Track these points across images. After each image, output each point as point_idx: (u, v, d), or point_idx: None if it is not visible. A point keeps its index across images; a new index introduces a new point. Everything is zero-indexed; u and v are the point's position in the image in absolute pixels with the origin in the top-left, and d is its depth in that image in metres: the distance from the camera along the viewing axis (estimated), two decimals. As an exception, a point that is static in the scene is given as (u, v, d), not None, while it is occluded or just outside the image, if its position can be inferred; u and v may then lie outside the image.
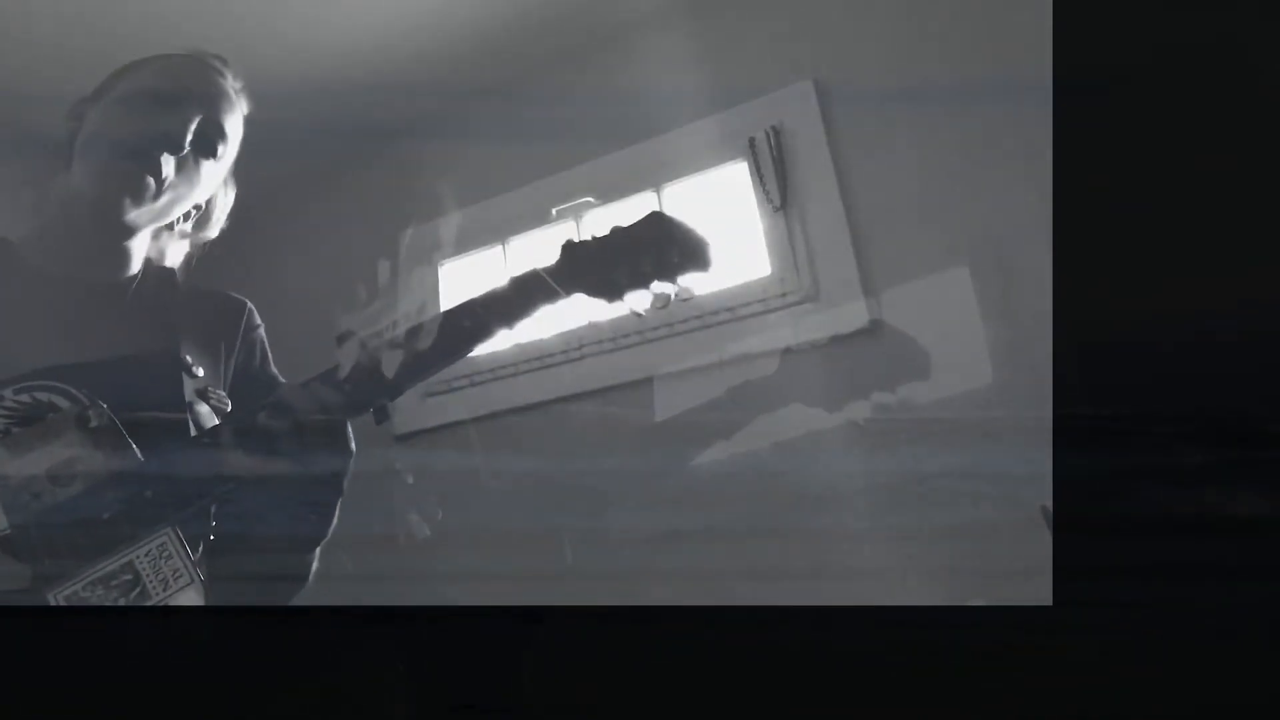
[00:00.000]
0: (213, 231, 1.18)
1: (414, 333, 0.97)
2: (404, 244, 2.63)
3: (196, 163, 1.07)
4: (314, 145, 2.77)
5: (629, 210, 2.31)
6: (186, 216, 1.15)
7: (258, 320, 1.23)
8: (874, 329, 1.90)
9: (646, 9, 2.32)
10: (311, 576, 1.06)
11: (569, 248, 1.03)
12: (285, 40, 2.31)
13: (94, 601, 0.82)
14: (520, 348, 2.32)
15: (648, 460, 2.02)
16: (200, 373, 1.06)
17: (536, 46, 2.42)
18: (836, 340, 1.92)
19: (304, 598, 1.09)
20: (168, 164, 1.04)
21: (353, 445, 0.94)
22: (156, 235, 1.15)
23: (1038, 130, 1.21)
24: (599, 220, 2.37)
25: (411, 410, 2.34)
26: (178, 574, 0.84)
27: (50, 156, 1.12)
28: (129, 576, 0.83)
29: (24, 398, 0.94)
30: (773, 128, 2.10)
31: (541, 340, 2.29)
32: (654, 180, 2.29)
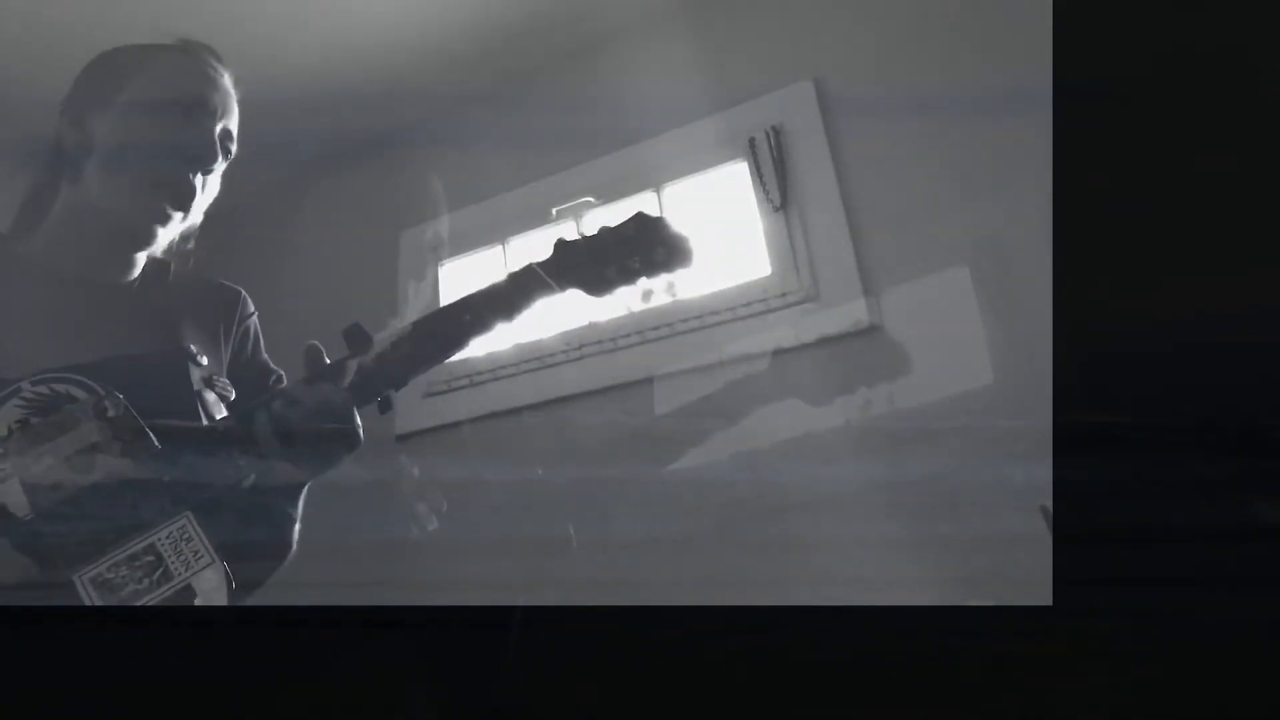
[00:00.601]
0: (197, 217, 1.18)
1: (416, 327, 1.04)
2: (404, 244, 2.64)
3: (213, 171, 1.10)
4: (313, 146, 2.77)
5: (628, 210, 2.32)
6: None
7: (251, 308, 1.26)
8: (874, 329, 1.90)
9: (647, 9, 2.32)
10: (290, 557, 1.07)
11: (561, 245, 1.12)
12: (284, 40, 2.31)
13: (118, 582, 0.84)
14: (520, 348, 2.32)
15: (648, 461, 2.02)
16: (204, 360, 1.10)
17: (537, 46, 2.43)
18: (836, 340, 1.92)
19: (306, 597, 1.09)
20: (198, 183, 1.08)
21: (361, 433, 0.98)
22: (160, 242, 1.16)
23: (1038, 130, 1.20)
24: (597, 220, 2.37)
25: (412, 410, 2.34)
26: (198, 555, 0.87)
27: (26, 154, 1.13)
28: (151, 558, 0.86)
29: (42, 389, 0.96)
30: (773, 128, 2.10)
31: (541, 340, 2.29)
32: (654, 180, 2.29)
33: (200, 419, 1.03)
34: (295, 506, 1.06)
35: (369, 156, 2.78)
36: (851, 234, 1.97)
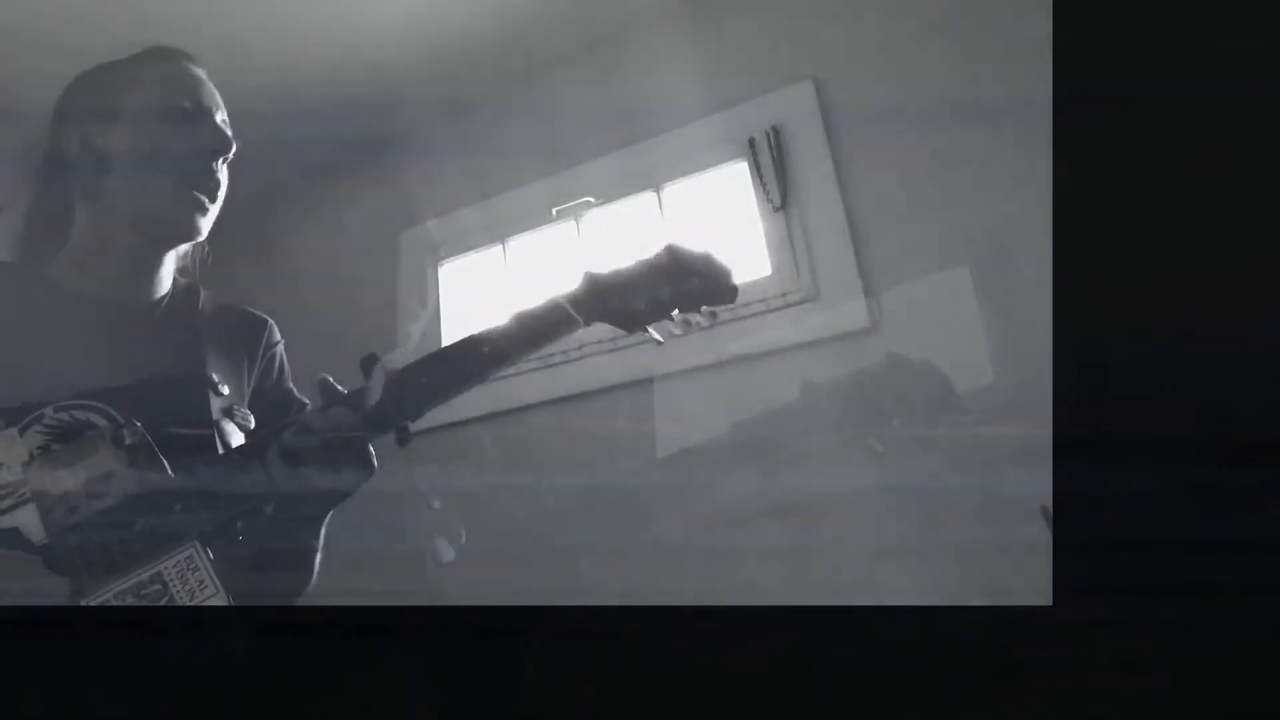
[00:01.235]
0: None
1: (435, 359, 1.02)
2: (404, 244, 2.64)
3: (229, 158, 1.14)
4: (313, 149, 2.77)
5: (629, 210, 2.33)
6: None
7: (277, 337, 1.27)
8: (874, 329, 1.90)
9: (647, 9, 2.32)
10: (310, 587, 1.10)
11: (590, 278, 1.08)
12: (283, 40, 2.31)
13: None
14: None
15: (646, 464, 2.02)
16: (225, 390, 1.10)
17: (538, 46, 2.42)
18: (836, 340, 1.92)
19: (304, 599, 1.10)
20: (221, 171, 1.12)
21: (375, 463, 0.98)
22: (181, 252, 1.18)
23: (1038, 129, 1.20)
24: (599, 220, 2.37)
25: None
26: (203, 584, 0.88)
27: (23, 181, 1.16)
28: (157, 586, 0.87)
29: (63, 416, 0.97)
30: (773, 128, 2.10)
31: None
32: (654, 180, 2.29)
33: (217, 448, 1.03)
34: (317, 536, 1.08)
35: (369, 158, 2.78)
36: (851, 234, 1.97)
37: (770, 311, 2.01)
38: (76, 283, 1.10)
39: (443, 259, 2.60)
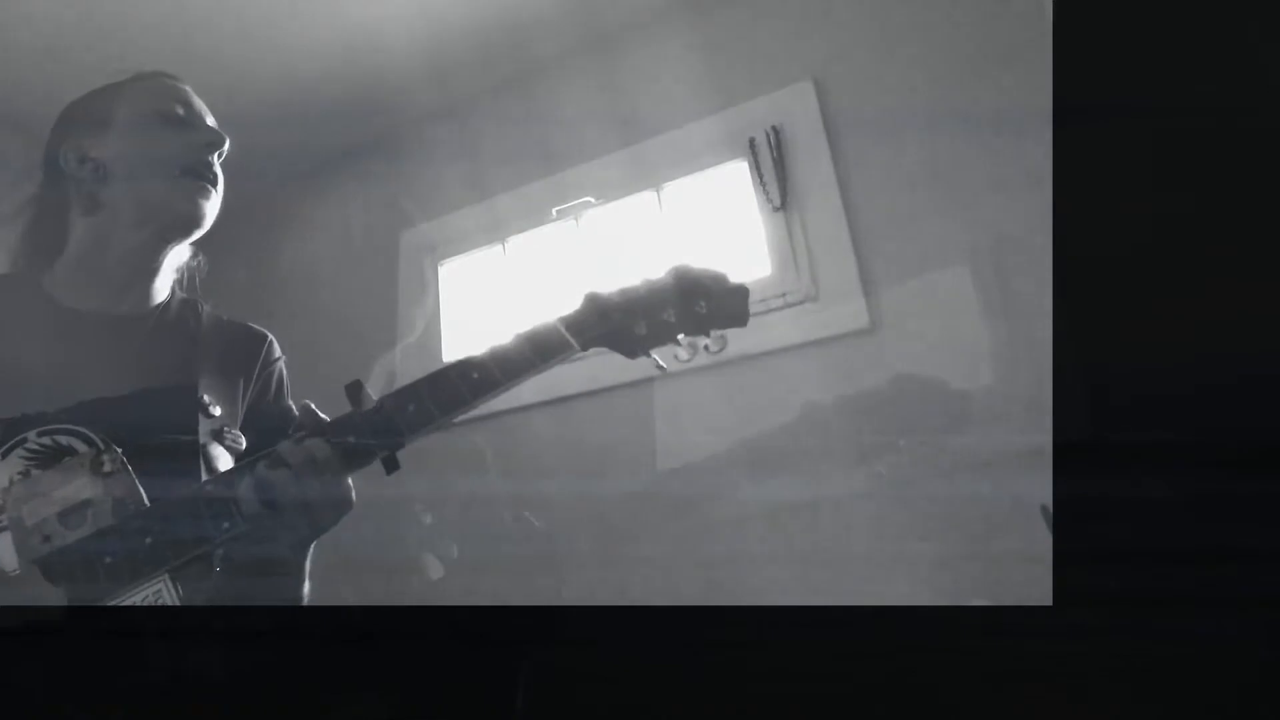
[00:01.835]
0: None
1: (422, 385, 0.95)
2: (404, 244, 2.64)
3: (223, 154, 1.15)
4: (312, 149, 2.77)
5: (629, 210, 2.32)
6: None
7: (277, 353, 1.24)
8: (873, 329, 1.89)
9: (647, 9, 2.32)
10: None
11: (590, 299, 1.02)
12: (284, 40, 2.31)
13: None
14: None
15: (646, 462, 2.02)
16: (217, 412, 1.08)
17: (538, 46, 2.42)
18: (836, 340, 1.91)
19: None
20: (217, 166, 1.13)
21: (352, 497, 0.93)
22: (178, 263, 1.18)
23: (1038, 129, 1.20)
24: (599, 220, 2.37)
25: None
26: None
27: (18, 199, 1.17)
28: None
29: (46, 440, 0.97)
30: (773, 128, 2.10)
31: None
32: (654, 180, 2.29)
33: (201, 473, 1.01)
34: (303, 566, 1.03)
35: (369, 159, 2.78)
36: (851, 234, 1.97)
37: (770, 311, 2.01)
38: (71, 296, 1.10)
39: (442, 259, 2.60)
